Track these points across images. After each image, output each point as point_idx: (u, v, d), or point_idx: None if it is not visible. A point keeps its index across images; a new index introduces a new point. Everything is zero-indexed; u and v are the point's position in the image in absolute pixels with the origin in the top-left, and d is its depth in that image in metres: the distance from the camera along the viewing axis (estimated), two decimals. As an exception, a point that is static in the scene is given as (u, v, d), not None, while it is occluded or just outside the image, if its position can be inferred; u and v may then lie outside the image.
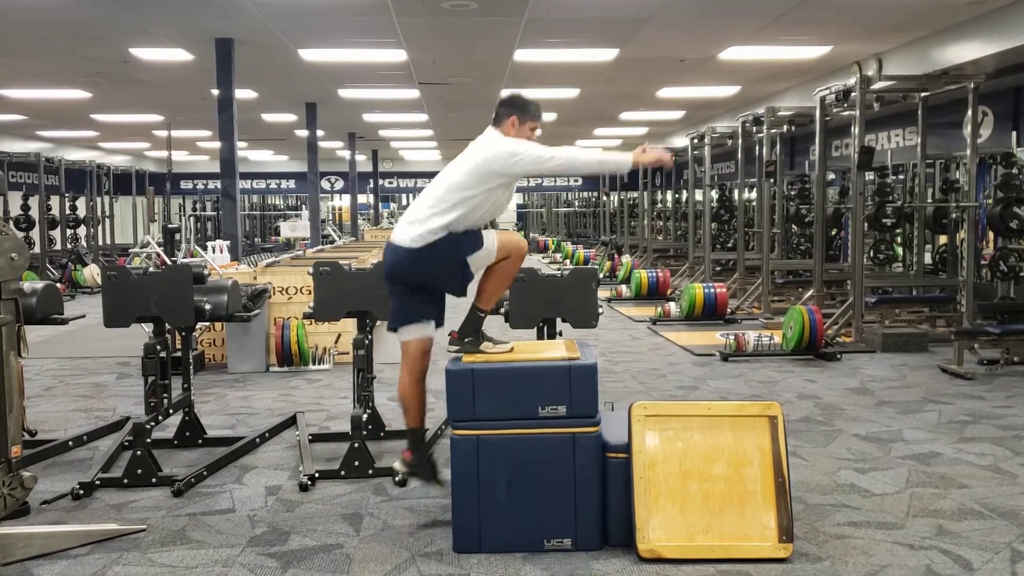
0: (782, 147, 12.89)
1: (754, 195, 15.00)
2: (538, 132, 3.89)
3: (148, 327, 5.52)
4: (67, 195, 17.39)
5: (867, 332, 8.66)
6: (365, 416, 4.82)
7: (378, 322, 4.94)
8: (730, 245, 15.67)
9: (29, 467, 4.35)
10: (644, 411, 3.60)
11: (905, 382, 6.96)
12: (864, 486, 4.36)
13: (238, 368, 7.60)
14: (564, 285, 4.74)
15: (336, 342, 7.83)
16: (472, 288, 3.89)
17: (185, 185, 27.58)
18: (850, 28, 8.91)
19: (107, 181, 19.95)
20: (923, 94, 9.46)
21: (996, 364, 7.25)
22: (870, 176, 11.14)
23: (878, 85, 9.23)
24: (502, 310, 4.76)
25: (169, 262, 7.51)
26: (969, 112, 8.68)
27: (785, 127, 12.31)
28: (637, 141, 19.25)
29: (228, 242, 10.10)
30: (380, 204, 27.48)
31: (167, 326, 4.93)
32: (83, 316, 6.18)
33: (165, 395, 4.86)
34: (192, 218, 23.21)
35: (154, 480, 4.44)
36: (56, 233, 17.42)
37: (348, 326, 7.15)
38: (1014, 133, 9.08)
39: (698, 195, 15.57)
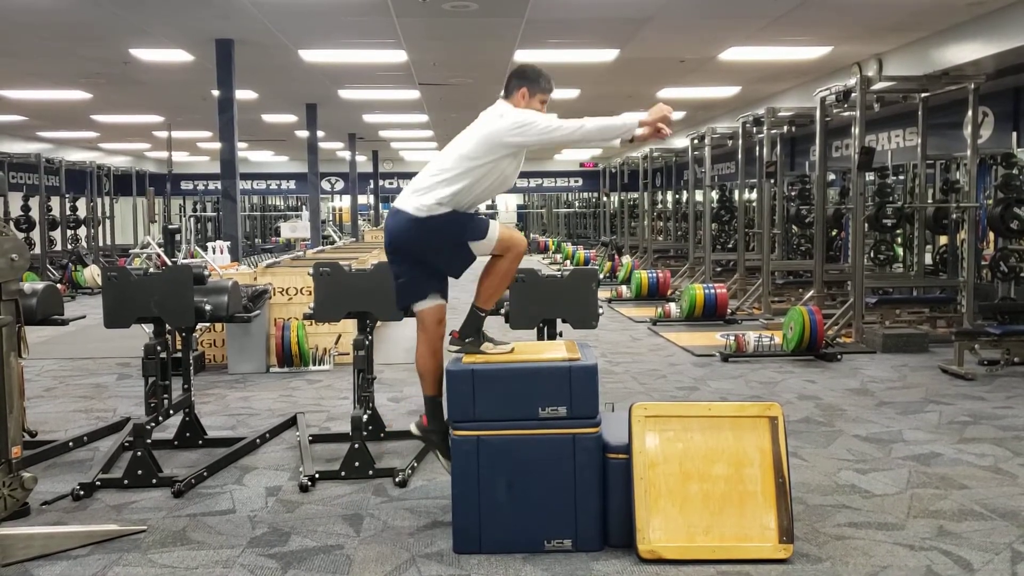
0: (782, 148, 12.90)
1: (754, 196, 14.99)
2: (547, 104, 3.88)
3: (148, 328, 5.53)
4: (67, 196, 17.41)
5: (867, 333, 8.66)
6: (365, 417, 4.82)
7: (378, 323, 4.93)
8: (730, 246, 15.67)
9: (29, 468, 4.35)
10: (644, 412, 3.60)
11: (905, 383, 6.95)
12: (864, 487, 4.36)
13: (238, 369, 7.61)
14: (564, 286, 4.73)
15: (336, 343, 7.84)
16: (472, 288, 3.88)
17: (185, 186, 27.62)
18: (850, 29, 8.91)
19: (107, 182, 19.98)
20: (923, 95, 9.46)
21: (996, 365, 7.25)
22: (870, 177, 11.14)
23: (878, 86, 9.23)
24: (502, 310, 4.75)
25: (169, 263, 7.51)
26: (969, 113, 8.68)
27: (785, 128, 12.32)
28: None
29: (228, 243, 10.10)
30: (380, 205, 27.43)
31: (167, 327, 4.93)
32: (83, 317, 6.18)
33: (165, 396, 4.86)
34: (192, 219, 23.20)
35: (154, 481, 4.44)
36: (56, 234, 17.41)
37: (348, 327, 7.15)
38: (1014, 134, 9.07)
39: (698, 196, 15.58)
